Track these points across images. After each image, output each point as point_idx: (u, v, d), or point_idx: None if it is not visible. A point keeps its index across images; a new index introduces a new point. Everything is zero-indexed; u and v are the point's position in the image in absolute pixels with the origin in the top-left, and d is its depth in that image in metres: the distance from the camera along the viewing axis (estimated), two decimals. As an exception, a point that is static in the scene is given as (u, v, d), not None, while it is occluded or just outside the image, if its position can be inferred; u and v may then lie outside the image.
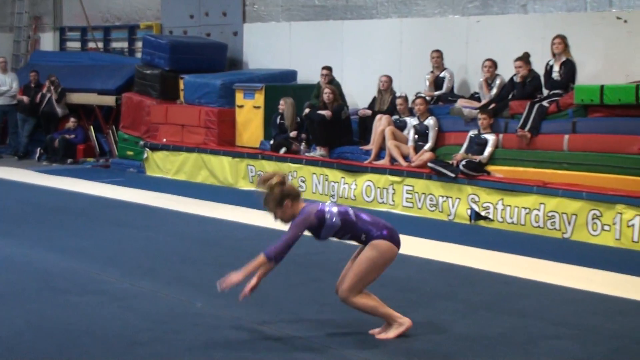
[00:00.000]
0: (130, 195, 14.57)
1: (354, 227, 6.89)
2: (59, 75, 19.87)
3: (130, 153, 18.22)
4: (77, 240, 10.73)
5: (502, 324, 7.42)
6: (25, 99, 20.02)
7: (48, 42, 24.17)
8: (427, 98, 13.95)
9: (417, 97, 13.82)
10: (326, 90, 14.69)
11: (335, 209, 6.87)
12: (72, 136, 19.51)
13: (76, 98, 19.86)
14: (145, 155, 17.59)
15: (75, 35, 23.49)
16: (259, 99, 16.08)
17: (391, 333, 6.90)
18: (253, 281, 6.81)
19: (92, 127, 20.05)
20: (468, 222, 12.43)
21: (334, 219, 6.84)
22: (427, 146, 13.44)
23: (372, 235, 6.85)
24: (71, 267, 9.24)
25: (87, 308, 7.69)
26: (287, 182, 6.90)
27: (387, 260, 6.92)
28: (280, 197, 6.77)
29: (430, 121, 13.51)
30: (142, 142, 17.69)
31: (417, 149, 13.57)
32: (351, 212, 6.94)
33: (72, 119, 19.67)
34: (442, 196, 12.78)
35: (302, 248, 10.18)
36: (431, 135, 13.47)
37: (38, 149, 19.88)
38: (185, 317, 7.44)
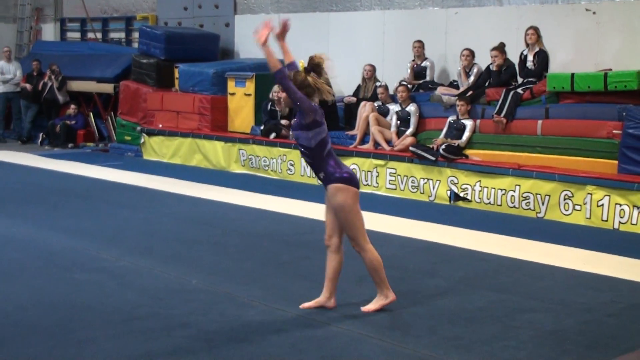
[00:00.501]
0: (128, 178, 14.52)
1: (322, 155, 6.81)
2: (60, 64, 19.79)
3: (128, 138, 18.17)
4: (78, 220, 10.69)
5: (481, 298, 7.42)
6: (28, 86, 19.93)
7: (49, 32, 24.06)
8: (409, 86, 13.93)
9: (399, 84, 13.82)
10: (313, 78, 14.62)
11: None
12: (73, 122, 19.43)
13: (76, 86, 19.77)
14: (142, 140, 17.54)
15: (75, 26, 23.39)
16: (250, 86, 16.04)
17: (374, 305, 6.90)
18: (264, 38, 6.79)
19: (91, 114, 19.97)
20: (448, 203, 12.43)
21: (325, 131, 6.85)
22: (409, 131, 13.43)
23: (332, 177, 6.77)
24: (72, 246, 9.20)
25: (88, 285, 7.66)
26: (313, 77, 6.79)
27: (355, 199, 6.85)
28: (299, 85, 6.69)
29: (411, 107, 13.50)
30: (139, 128, 17.64)
31: (400, 133, 13.56)
32: (330, 146, 6.95)
33: (72, 106, 19.58)
34: (423, 178, 12.78)
35: (292, 228, 10.22)
36: (412, 121, 13.46)
37: (40, 134, 19.80)
38: (181, 294, 7.41)
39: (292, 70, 6.80)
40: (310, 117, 6.67)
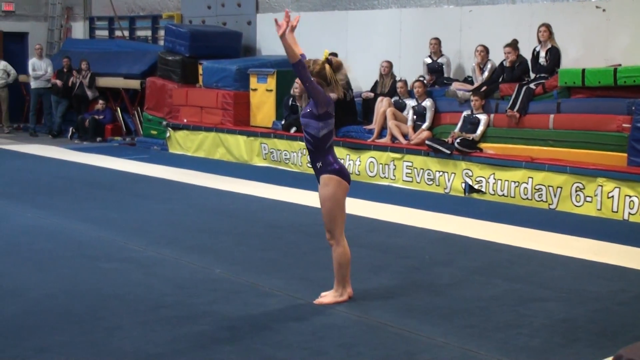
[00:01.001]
0: (154, 170, 14.53)
1: (325, 146, 6.67)
2: (89, 61, 19.81)
3: (154, 132, 18.19)
4: (105, 211, 10.70)
5: (494, 287, 7.38)
6: (58, 82, 19.96)
7: (79, 30, 24.10)
8: (425, 81, 13.87)
9: (416, 80, 13.76)
10: (332, 74, 14.61)
11: None
12: (101, 117, 19.46)
13: (104, 82, 19.80)
14: (167, 134, 17.55)
15: (103, 25, 23.41)
16: (271, 82, 16.03)
17: (328, 299, 6.74)
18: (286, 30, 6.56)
19: (119, 109, 19.99)
20: (462, 195, 12.37)
21: (333, 124, 6.69)
22: (425, 125, 13.39)
23: (328, 168, 6.66)
24: (100, 236, 9.21)
25: (115, 274, 7.66)
26: (331, 71, 6.63)
27: (344, 192, 6.72)
28: (315, 73, 6.56)
29: (427, 102, 13.45)
30: (164, 122, 17.66)
31: (416, 128, 13.52)
32: (333, 140, 6.80)
33: (100, 101, 19.61)
34: (439, 171, 12.73)
35: (312, 219, 10.19)
36: (428, 115, 13.41)
37: (70, 128, 19.85)
38: (205, 283, 7.40)
39: (311, 59, 6.71)
40: (324, 108, 6.55)
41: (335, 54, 15.25)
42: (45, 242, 8.92)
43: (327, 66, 6.61)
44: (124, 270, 7.79)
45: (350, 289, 6.86)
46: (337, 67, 6.68)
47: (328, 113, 6.57)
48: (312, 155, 6.76)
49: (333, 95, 6.66)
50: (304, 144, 14.03)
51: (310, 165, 6.78)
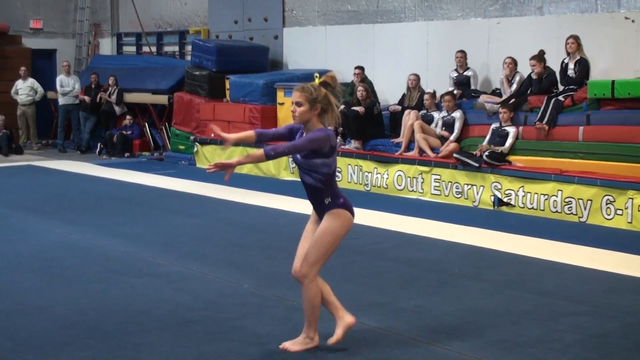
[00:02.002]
0: (182, 185, 14.57)
1: (333, 179, 5.93)
2: (117, 77, 19.92)
3: (181, 147, 18.26)
4: (134, 226, 10.73)
5: (525, 301, 7.32)
6: (86, 98, 20.10)
7: (107, 46, 24.27)
8: (454, 93, 13.84)
9: (446, 93, 13.71)
10: (359, 88, 14.65)
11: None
12: (129, 132, 19.56)
13: (132, 97, 19.91)
14: (195, 149, 17.60)
15: (131, 40, 23.58)
16: (298, 96, 16.02)
17: (338, 333, 6.00)
18: (234, 160, 5.80)
19: (147, 124, 20.10)
20: (491, 208, 12.31)
21: (334, 163, 5.93)
22: (453, 136, 13.33)
23: (338, 202, 5.89)
24: (129, 252, 9.24)
25: (144, 289, 7.67)
26: (332, 94, 5.97)
27: (347, 231, 5.94)
28: (321, 99, 5.90)
29: (457, 113, 13.42)
30: (192, 137, 17.72)
31: (443, 140, 13.46)
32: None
33: (128, 117, 19.72)
34: (467, 184, 12.67)
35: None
36: (457, 126, 13.35)
37: (99, 144, 19.95)
38: (233, 298, 7.39)
39: (306, 86, 5.98)
40: (328, 144, 5.83)
41: (362, 67, 15.32)
42: (73, 258, 8.95)
43: (324, 90, 5.95)
44: (152, 286, 7.79)
45: (318, 337, 6.05)
46: (333, 85, 6.02)
47: (332, 147, 5.86)
48: (319, 193, 5.93)
49: (331, 128, 6.17)
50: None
51: (313, 204, 6.05)
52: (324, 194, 5.90)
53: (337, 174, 14.04)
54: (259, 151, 5.72)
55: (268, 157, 5.73)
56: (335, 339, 5.98)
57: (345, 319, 6.02)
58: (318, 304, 5.96)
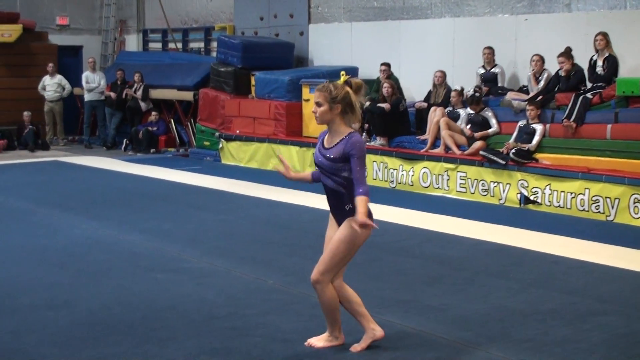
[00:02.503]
0: (207, 181, 14.60)
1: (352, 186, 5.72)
2: (143, 73, 19.99)
3: (207, 143, 18.29)
4: (159, 222, 10.77)
5: (551, 300, 7.27)
6: (112, 94, 20.19)
7: (132, 43, 24.35)
8: (477, 94, 13.76)
9: (471, 97, 13.63)
10: (385, 84, 14.63)
11: None
12: (155, 128, 19.62)
13: (158, 94, 19.97)
14: (220, 145, 17.63)
15: (156, 37, 23.64)
16: (324, 93, 16.01)
17: (363, 343, 5.96)
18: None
19: (172, 120, 20.17)
20: (518, 206, 12.25)
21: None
22: (492, 130, 13.26)
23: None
24: (154, 247, 9.27)
25: (169, 285, 7.70)
26: (354, 94, 5.82)
27: (365, 239, 5.82)
28: (340, 98, 5.78)
29: (488, 112, 13.34)
30: (217, 134, 17.74)
31: (469, 139, 13.39)
32: None
33: (154, 113, 19.78)
34: (494, 182, 12.62)
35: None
36: (494, 122, 13.28)
37: (124, 140, 20.03)
38: (258, 294, 7.40)
39: (330, 83, 5.94)
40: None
41: (388, 64, 15.30)
42: (99, 253, 8.99)
43: (349, 90, 5.82)
44: (177, 281, 7.82)
45: (343, 336, 6.07)
46: (357, 89, 5.87)
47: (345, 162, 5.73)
48: (340, 198, 5.79)
49: (355, 126, 5.89)
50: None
51: (332, 209, 5.92)
52: (345, 199, 5.76)
53: (363, 171, 14.02)
54: (364, 200, 5.62)
55: (368, 195, 5.67)
56: (359, 348, 5.94)
57: (376, 332, 5.97)
58: (335, 308, 5.90)
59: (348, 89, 5.81)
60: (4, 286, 7.64)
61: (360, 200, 5.58)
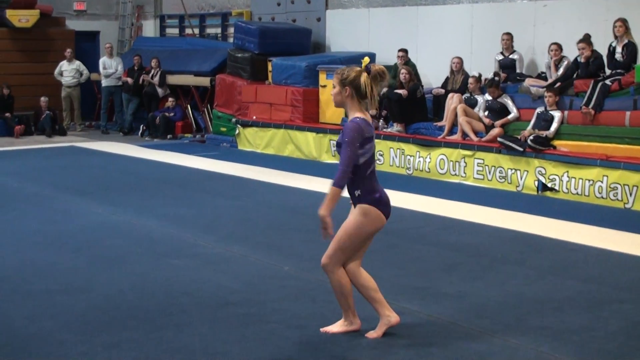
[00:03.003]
0: (224, 167, 14.60)
1: (365, 173, 5.75)
2: (160, 59, 19.98)
3: (223, 129, 18.29)
4: (175, 208, 10.77)
5: (569, 288, 7.24)
6: (129, 80, 20.20)
7: (149, 28, 24.35)
8: (496, 79, 13.69)
9: (489, 84, 13.56)
10: (402, 70, 14.58)
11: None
12: (172, 114, 19.63)
13: (175, 79, 19.98)
14: (237, 131, 17.62)
15: (174, 23, 23.63)
16: (341, 79, 15.97)
17: (379, 330, 5.92)
18: (327, 216, 5.63)
19: (189, 106, 20.17)
20: (535, 193, 12.19)
21: (373, 147, 5.80)
22: (512, 116, 13.22)
23: (371, 197, 5.76)
24: (170, 233, 9.28)
25: (185, 270, 7.70)
26: (369, 80, 5.72)
27: (376, 230, 5.84)
28: (349, 81, 5.74)
29: (505, 99, 13.28)
30: (234, 119, 17.73)
31: (487, 126, 13.35)
32: (374, 166, 5.88)
33: (170, 99, 19.80)
34: (511, 169, 12.56)
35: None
36: (513, 108, 13.23)
37: (141, 126, 20.05)
38: (274, 280, 7.39)
39: (346, 67, 5.88)
40: (362, 134, 5.68)
41: (405, 50, 15.24)
42: (116, 239, 9.01)
43: (364, 75, 5.73)
44: (193, 267, 7.82)
45: (359, 320, 6.05)
46: (375, 76, 5.75)
47: (366, 138, 5.70)
48: (351, 183, 5.81)
49: (372, 112, 5.93)
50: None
51: (349, 194, 5.89)
52: (353, 184, 5.77)
53: (379, 157, 14.01)
54: (332, 190, 5.65)
55: (342, 187, 5.67)
56: (375, 335, 5.92)
57: (392, 318, 5.95)
58: (346, 293, 5.89)
59: (360, 73, 5.76)
60: (20, 271, 7.67)
61: (328, 191, 5.66)
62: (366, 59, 5.84)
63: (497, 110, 13.33)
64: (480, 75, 14.02)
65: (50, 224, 9.75)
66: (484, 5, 15.33)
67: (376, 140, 14.02)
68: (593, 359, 5.53)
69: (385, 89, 14.60)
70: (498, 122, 13.16)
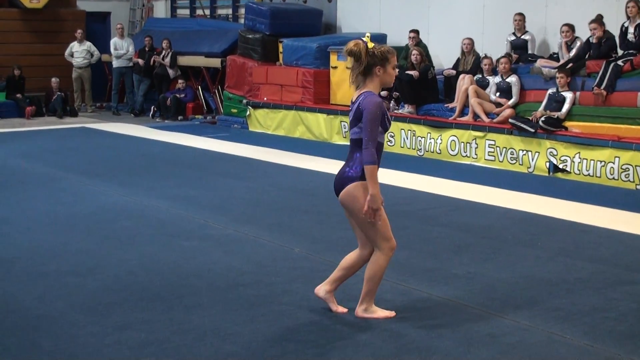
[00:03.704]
0: (234, 149, 14.59)
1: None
2: (171, 40, 19.95)
3: (234, 110, 18.27)
4: (186, 189, 10.76)
5: (580, 269, 7.20)
6: (140, 61, 20.18)
7: (161, 9, 24.30)
8: (510, 57, 13.63)
9: (502, 57, 13.52)
10: (414, 52, 14.52)
11: None
12: (182, 95, 19.63)
13: (186, 60, 19.95)
14: (248, 113, 17.60)
15: (184, 3, 23.58)
16: (352, 60, 15.88)
17: (381, 313, 5.92)
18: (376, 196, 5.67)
19: (200, 87, 20.16)
20: (547, 174, 12.14)
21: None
22: (511, 101, 13.16)
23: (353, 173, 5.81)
24: (181, 214, 9.27)
25: (195, 252, 7.69)
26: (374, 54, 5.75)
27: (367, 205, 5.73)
28: (346, 50, 5.82)
29: (512, 78, 13.23)
30: (245, 101, 17.72)
31: (498, 105, 13.30)
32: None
33: (181, 80, 19.79)
34: (522, 150, 12.51)
35: (391, 198, 10.10)
36: (514, 91, 13.17)
37: (152, 107, 20.07)
38: (285, 262, 7.38)
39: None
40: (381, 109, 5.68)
41: (417, 31, 15.16)
42: (126, 220, 9.00)
43: (351, 46, 5.82)
44: (203, 249, 7.81)
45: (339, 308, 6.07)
46: (373, 50, 5.78)
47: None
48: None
49: (383, 93, 5.78)
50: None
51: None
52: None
53: (390, 138, 13.99)
54: (368, 169, 5.62)
55: (375, 162, 5.63)
56: (342, 310, 6.01)
57: (336, 308, 6.04)
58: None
59: (356, 45, 5.81)
60: (30, 252, 7.67)
61: (370, 173, 5.67)
62: (368, 35, 5.88)
63: (507, 91, 13.27)
64: (492, 58, 13.93)
65: (61, 205, 9.75)
66: (496, -15, 15.24)
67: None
68: (604, 340, 5.50)
69: (396, 70, 14.52)
70: (497, 110, 13.11)
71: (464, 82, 13.82)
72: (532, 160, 12.38)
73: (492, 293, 6.50)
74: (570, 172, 11.90)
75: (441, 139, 13.67)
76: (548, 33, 14.34)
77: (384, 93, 14.63)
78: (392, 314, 5.92)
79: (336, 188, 5.97)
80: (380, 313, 5.91)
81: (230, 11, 22.00)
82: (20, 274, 6.98)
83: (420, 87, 14.37)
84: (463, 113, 13.70)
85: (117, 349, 5.30)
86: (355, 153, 5.79)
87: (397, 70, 5.90)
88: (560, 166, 11.99)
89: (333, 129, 15.63)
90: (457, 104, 13.83)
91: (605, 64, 12.25)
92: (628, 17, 12.36)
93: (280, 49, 17.56)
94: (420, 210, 9.62)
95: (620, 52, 12.55)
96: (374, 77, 5.80)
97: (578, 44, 13.05)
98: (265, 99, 17.28)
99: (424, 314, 5.99)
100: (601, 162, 11.52)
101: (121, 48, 20.48)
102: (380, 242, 5.84)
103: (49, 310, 6.04)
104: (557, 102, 12.48)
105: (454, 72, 14.53)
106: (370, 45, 5.78)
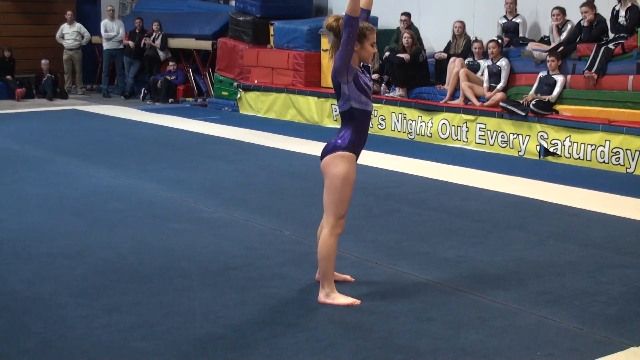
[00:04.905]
0: (225, 131, 14.56)
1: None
2: (161, 22, 19.87)
3: (225, 93, 18.22)
4: (176, 172, 10.74)
5: (570, 253, 7.21)
6: (131, 43, 20.10)
7: (151, -9, 24.16)
8: (499, 41, 13.59)
9: (491, 41, 13.50)
10: (405, 35, 14.47)
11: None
12: (173, 78, 19.57)
13: (176, 43, 19.87)
14: (238, 96, 17.56)
15: (175, -14, 23.46)
16: (343, 43, 15.85)
17: (343, 300, 5.83)
18: None
19: (190, 70, 20.10)
20: (537, 158, 12.15)
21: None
22: (499, 85, 13.16)
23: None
24: (171, 197, 9.24)
25: (186, 235, 7.67)
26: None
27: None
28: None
29: (502, 62, 13.21)
30: (235, 84, 17.67)
31: (490, 89, 13.29)
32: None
33: (172, 62, 19.72)
34: (513, 133, 12.51)
35: (382, 182, 10.11)
36: (503, 75, 13.16)
37: (142, 89, 20.00)
38: (275, 244, 7.37)
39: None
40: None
41: (408, 14, 15.12)
42: (116, 202, 8.98)
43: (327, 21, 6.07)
44: (194, 231, 7.79)
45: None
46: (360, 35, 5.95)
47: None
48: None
49: (374, 76, 5.97)
50: (374, 105, 13.85)
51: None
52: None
53: (381, 122, 13.96)
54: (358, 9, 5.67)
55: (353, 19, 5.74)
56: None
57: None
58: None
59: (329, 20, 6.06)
60: (20, 235, 7.64)
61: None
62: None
63: (497, 74, 13.26)
64: (482, 41, 13.90)
65: (51, 187, 9.72)
66: (487, -32, 15.20)
67: (377, 106, 14.05)
68: (594, 323, 5.50)
69: (387, 53, 14.53)
70: (489, 94, 13.11)
71: (455, 65, 13.80)
72: (523, 143, 12.38)
73: (482, 276, 6.51)
74: (560, 156, 11.91)
75: (432, 123, 13.66)
76: (539, 16, 14.32)
77: (375, 76, 14.62)
78: (355, 301, 5.81)
79: (322, 155, 6.13)
80: (342, 300, 5.82)
81: (221, -7, 21.91)
82: (10, 256, 6.96)
83: (412, 71, 14.34)
84: (454, 96, 13.68)
85: (106, 332, 5.28)
86: (345, 126, 5.95)
87: (375, 47, 5.99)
88: (551, 150, 12.00)
89: (324, 112, 15.60)
90: (448, 87, 13.82)
91: (596, 47, 12.24)
92: (619, 1, 12.35)
93: (271, 32, 17.49)
94: (411, 193, 9.62)
95: (611, 35, 12.54)
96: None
97: (569, 27, 13.04)
98: (256, 81, 17.24)
99: (414, 297, 5.99)
100: (592, 145, 11.53)
101: (111, 30, 20.38)
102: (331, 214, 5.98)
103: (38, 293, 6.02)
104: (547, 85, 12.47)
105: (445, 55, 14.52)
106: None
